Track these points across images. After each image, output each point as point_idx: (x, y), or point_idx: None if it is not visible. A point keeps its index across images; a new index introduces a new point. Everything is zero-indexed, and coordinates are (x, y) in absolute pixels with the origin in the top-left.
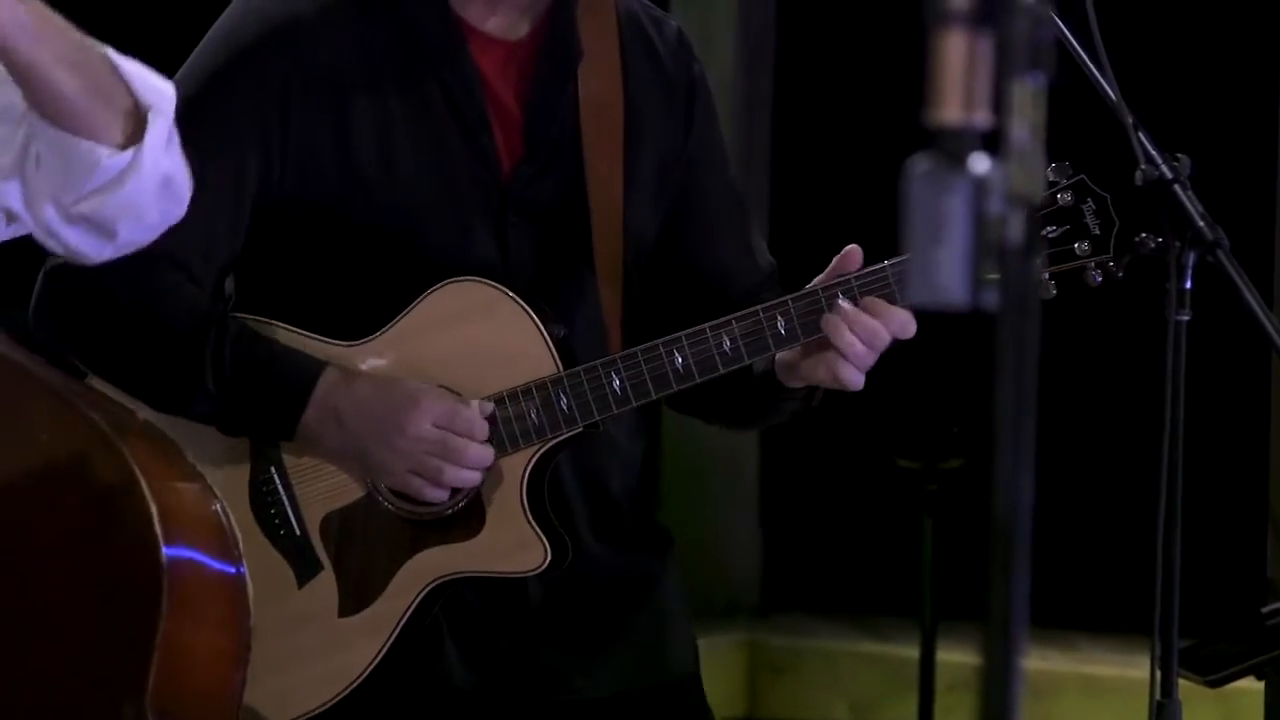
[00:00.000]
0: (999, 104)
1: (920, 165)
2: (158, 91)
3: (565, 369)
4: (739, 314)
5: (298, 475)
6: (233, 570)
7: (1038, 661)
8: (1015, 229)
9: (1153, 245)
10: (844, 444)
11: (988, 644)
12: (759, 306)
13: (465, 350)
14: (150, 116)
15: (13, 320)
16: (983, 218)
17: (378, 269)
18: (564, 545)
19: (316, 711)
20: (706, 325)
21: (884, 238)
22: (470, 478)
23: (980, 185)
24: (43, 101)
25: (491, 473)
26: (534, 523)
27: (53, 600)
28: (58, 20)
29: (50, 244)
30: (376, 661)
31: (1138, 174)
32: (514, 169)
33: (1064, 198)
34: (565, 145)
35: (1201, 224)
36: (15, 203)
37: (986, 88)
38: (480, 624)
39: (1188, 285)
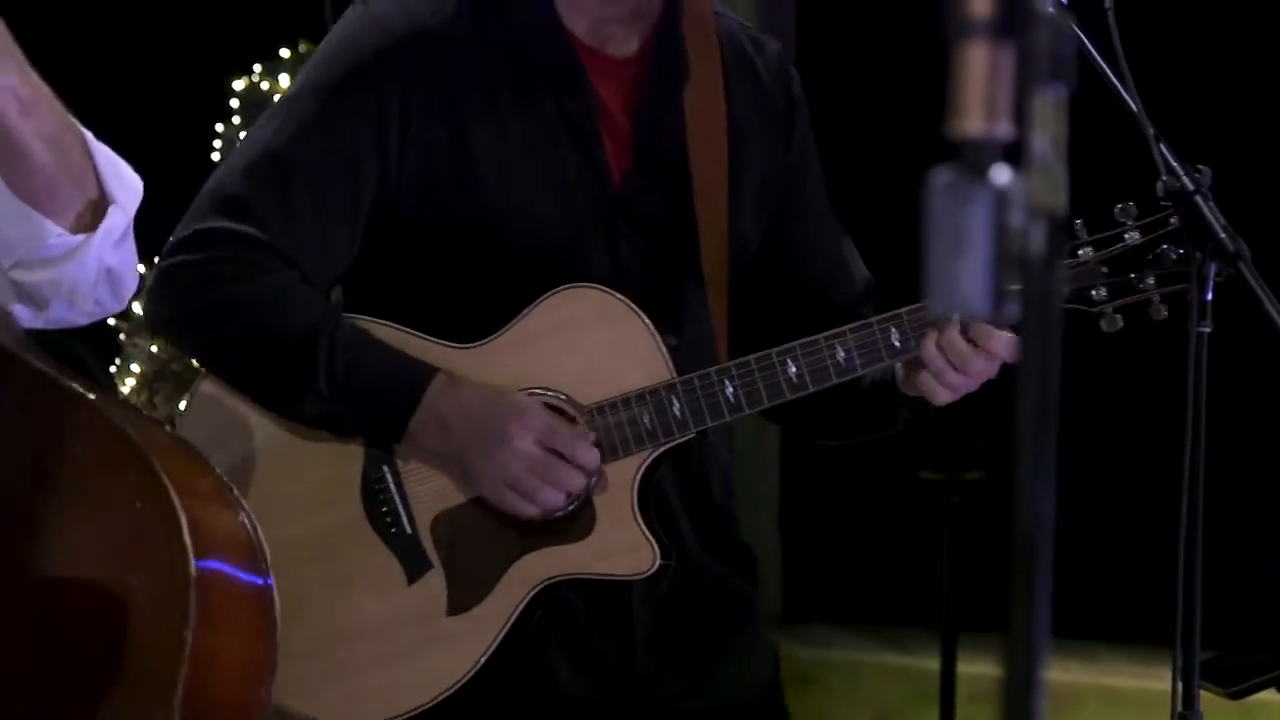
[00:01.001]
0: (1021, 115)
1: (941, 176)
2: (126, 187)
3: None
4: (853, 325)
5: (410, 475)
6: (260, 581)
7: (1059, 673)
8: (1037, 240)
9: (1174, 257)
10: (865, 455)
11: (1009, 655)
12: (874, 318)
13: (580, 356)
14: (110, 209)
15: (43, 334)
16: (1004, 229)
17: (489, 275)
18: (670, 551)
19: (422, 708)
20: (821, 336)
21: (905, 248)
22: (557, 500)
23: (1002, 197)
24: (13, 171)
25: (603, 477)
26: (644, 526)
27: (82, 611)
28: (48, 96)
29: None
30: (483, 660)
31: (1159, 185)
32: (624, 180)
33: (1132, 237)
34: (672, 158)
35: (1223, 235)
36: None
37: (1008, 99)
38: (586, 631)
39: (1209, 297)
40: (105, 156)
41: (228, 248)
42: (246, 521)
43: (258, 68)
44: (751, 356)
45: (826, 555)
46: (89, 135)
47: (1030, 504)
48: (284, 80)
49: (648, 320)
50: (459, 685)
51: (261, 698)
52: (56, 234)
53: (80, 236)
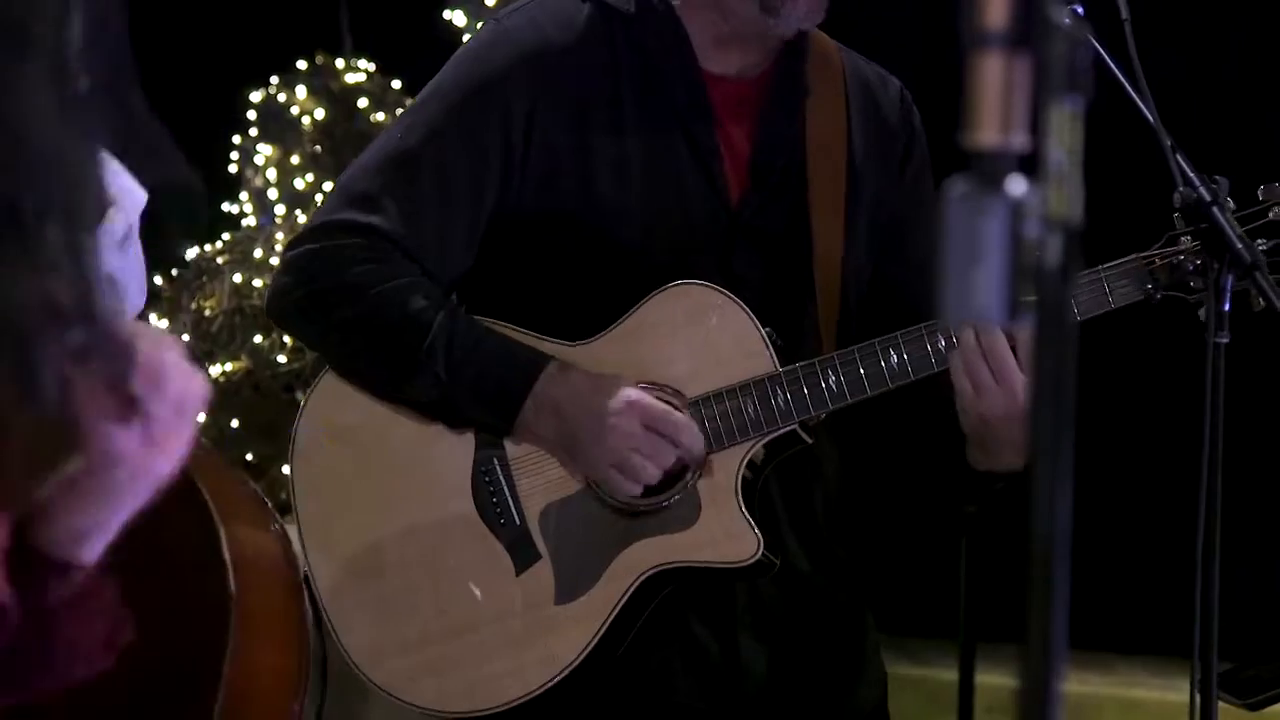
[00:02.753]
0: (1037, 126)
1: (957, 187)
2: (126, 192)
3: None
4: None
5: (519, 467)
6: (294, 591)
7: (1076, 684)
8: (1052, 251)
9: (1191, 267)
10: (881, 466)
11: (1026, 666)
12: None
13: (686, 349)
14: (110, 211)
15: None
16: (1019, 240)
17: (605, 280)
18: (775, 547)
19: (532, 695)
20: (922, 325)
21: None
22: (657, 477)
23: (1017, 207)
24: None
25: (708, 467)
26: (747, 514)
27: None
28: None
29: None
30: (589, 648)
31: (1176, 196)
32: (741, 197)
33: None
34: (790, 178)
35: (1240, 246)
36: None
37: (1024, 110)
38: (695, 633)
39: (1226, 307)
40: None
41: (353, 236)
42: (278, 530)
43: (274, 80)
44: (854, 346)
45: None
46: None
47: (1047, 514)
48: (300, 92)
49: (752, 314)
50: (567, 672)
51: (294, 710)
52: None
53: None
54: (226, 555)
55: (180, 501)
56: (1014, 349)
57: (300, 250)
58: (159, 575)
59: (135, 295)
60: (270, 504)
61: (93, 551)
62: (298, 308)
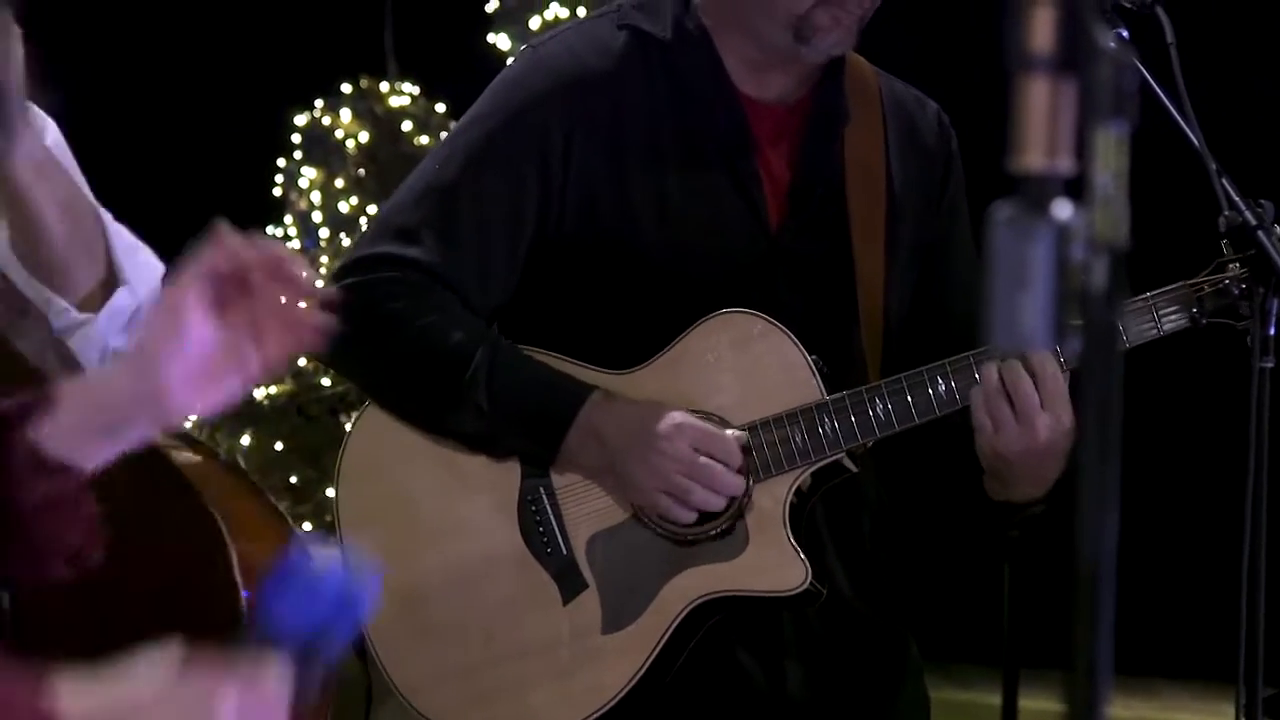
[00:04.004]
0: (1082, 150)
1: (1003, 211)
2: (141, 268)
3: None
4: None
5: (565, 496)
6: None
7: (1121, 709)
8: (1098, 275)
9: (1236, 292)
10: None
11: (1071, 691)
12: None
13: (732, 378)
14: (117, 293)
15: None
16: (1066, 264)
17: (647, 308)
18: (822, 576)
19: None
20: (969, 354)
21: None
22: (716, 502)
23: (1063, 231)
24: (25, 239)
25: (755, 496)
26: (794, 543)
27: (133, 641)
28: (63, 167)
29: None
30: (637, 678)
31: (1221, 220)
32: (781, 223)
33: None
34: (830, 203)
35: None
36: None
37: (1070, 134)
38: (741, 662)
39: (1271, 331)
40: (122, 237)
41: (393, 270)
42: None
43: (319, 103)
44: (902, 374)
45: None
46: (107, 215)
47: (1092, 538)
48: (345, 115)
49: (798, 342)
50: (616, 701)
51: None
52: (62, 308)
53: (86, 315)
54: (237, 575)
55: (190, 520)
56: (1036, 386)
57: (340, 285)
58: (168, 598)
59: None
60: (291, 522)
61: (95, 458)
62: (338, 344)
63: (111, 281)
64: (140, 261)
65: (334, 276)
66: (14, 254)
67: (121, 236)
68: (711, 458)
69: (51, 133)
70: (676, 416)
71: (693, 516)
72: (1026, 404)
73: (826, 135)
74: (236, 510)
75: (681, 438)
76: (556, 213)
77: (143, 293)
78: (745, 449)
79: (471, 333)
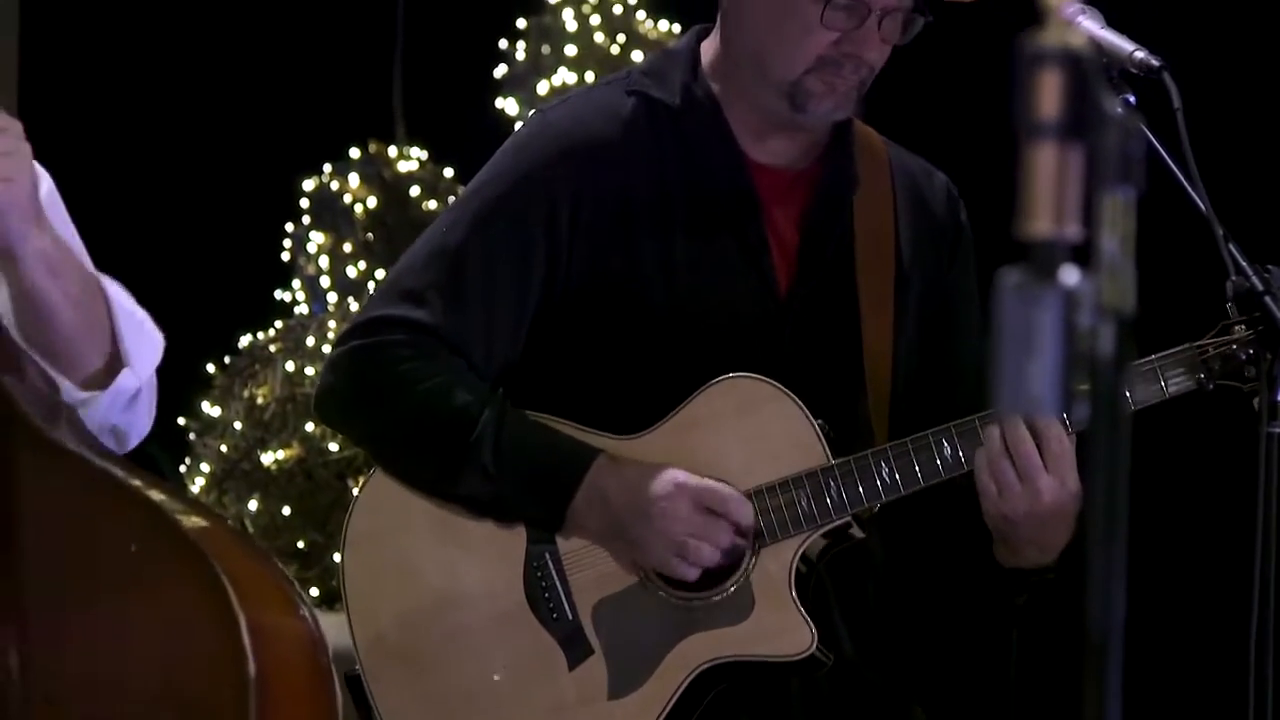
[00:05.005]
0: (1089, 216)
1: (1011, 277)
2: (145, 345)
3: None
4: None
5: (571, 562)
6: (321, 677)
7: None
8: (1105, 341)
9: (1244, 356)
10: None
11: None
12: None
13: (737, 442)
14: (121, 374)
15: None
16: (1073, 330)
17: (653, 373)
18: (829, 641)
19: None
20: (975, 416)
21: None
22: (718, 558)
23: (1070, 297)
24: (33, 327)
25: (761, 561)
26: (800, 607)
27: (140, 711)
28: (74, 258)
29: None
30: None
31: (1229, 285)
32: (790, 288)
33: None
34: (839, 269)
35: None
36: None
37: (1077, 200)
38: None
39: (1278, 397)
40: (128, 314)
41: (400, 332)
42: (308, 617)
43: (327, 168)
44: (908, 439)
45: None
46: (113, 290)
47: (1101, 606)
48: (353, 180)
49: (803, 406)
50: None
51: None
52: (66, 388)
53: (89, 394)
54: (246, 642)
55: (199, 586)
56: (1040, 448)
57: (345, 348)
58: (178, 662)
59: (134, 441)
60: (298, 588)
61: None
62: (344, 406)
63: (115, 361)
64: (146, 337)
65: (338, 340)
66: (20, 335)
67: (125, 309)
68: (713, 513)
69: (46, 184)
70: (678, 476)
71: (696, 574)
72: (1029, 466)
73: (836, 201)
74: (244, 577)
75: (683, 496)
76: (563, 277)
77: (145, 373)
78: (753, 504)
79: (477, 395)
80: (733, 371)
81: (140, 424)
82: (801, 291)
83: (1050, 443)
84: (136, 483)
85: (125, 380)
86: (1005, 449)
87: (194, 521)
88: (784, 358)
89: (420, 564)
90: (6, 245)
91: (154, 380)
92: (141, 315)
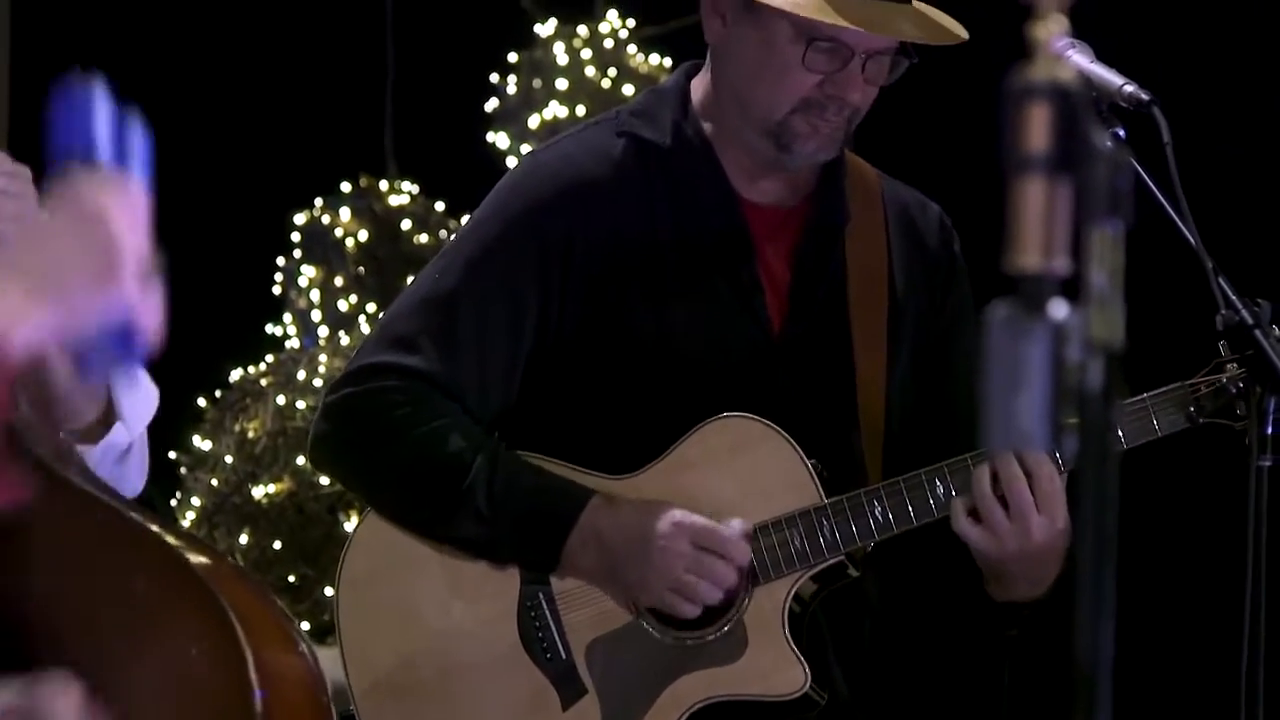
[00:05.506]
0: (1078, 250)
1: (999, 311)
2: (139, 402)
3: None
4: None
5: (565, 601)
6: (322, 713)
7: None
8: (1094, 375)
9: (1234, 391)
10: (920, 594)
11: None
12: None
13: (731, 482)
14: (112, 429)
15: None
16: (1062, 364)
17: (647, 413)
18: (823, 680)
19: None
20: (968, 455)
21: None
22: (719, 596)
23: (1059, 331)
24: (28, 382)
25: (755, 599)
26: (794, 646)
27: None
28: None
29: None
30: None
31: (1218, 319)
32: (783, 328)
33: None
34: (832, 307)
35: None
36: None
37: (1066, 234)
38: None
39: (1269, 430)
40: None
41: (392, 379)
42: (308, 653)
43: (319, 201)
44: (900, 477)
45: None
46: None
47: (1090, 639)
48: (344, 214)
49: (796, 446)
50: None
51: None
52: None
53: (82, 448)
54: (252, 675)
55: (205, 621)
56: (1031, 487)
57: (339, 395)
58: (184, 696)
59: (128, 492)
60: (297, 624)
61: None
62: (338, 453)
63: (109, 415)
64: (140, 393)
65: (332, 387)
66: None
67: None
68: (711, 551)
69: None
70: (675, 515)
71: (698, 611)
72: (1022, 504)
73: (827, 238)
74: (249, 612)
75: (681, 535)
76: (557, 319)
77: (137, 429)
78: (750, 539)
79: (471, 440)
80: (726, 411)
81: (131, 480)
82: (794, 330)
83: (1041, 481)
84: (140, 518)
85: (117, 435)
86: (995, 490)
87: (198, 557)
88: (777, 397)
89: (415, 604)
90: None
91: (145, 438)
92: (138, 369)
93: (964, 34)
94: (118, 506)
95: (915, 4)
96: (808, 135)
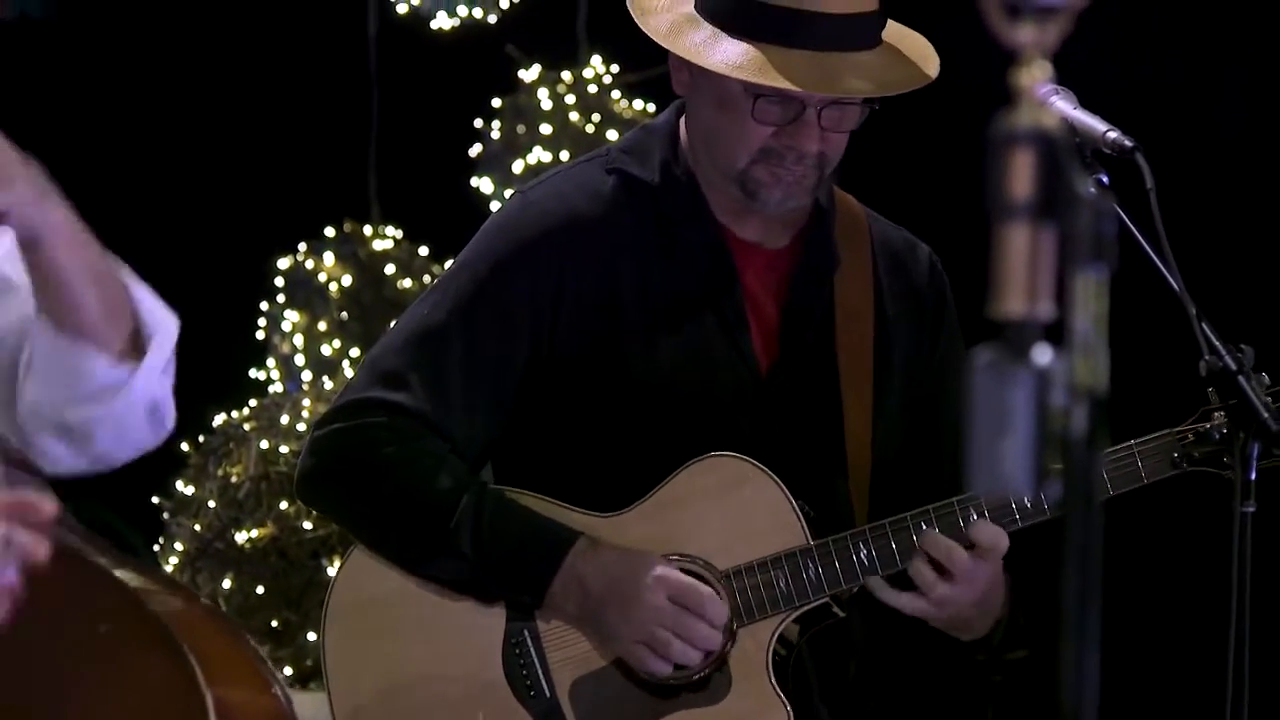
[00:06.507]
0: (1062, 295)
1: (984, 357)
2: (162, 321)
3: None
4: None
5: (550, 639)
6: None
7: None
8: (1078, 420)
9: (1218, 437)
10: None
11: None
12: None
13: (717, 522)
14: (152, 342)
15: (88, 511)
16: (1046, 409)
17: (635, 451)
18: (807, 718)
19: None
20: (954, 499)
21: None
22: (693, 656)
23: (1043, 377)
24: (60, 309)
25: (739, 641)
26: (777, 688)
27: None
28: (85, 233)
29: (19, 443)
30: None
31: (1202, 364)
32: (770, 368)
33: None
34: (820, 347)
35: (1266, 415)
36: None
37: (1050, 279)
38: None
39: (1252, 476)
40: (141, 292)
41: (379, 415)
42: (280, 695)
43: (302, 246)
44: (886, 520)
45: None
46: (124, 269)
47: (1074, 684)
48: (328, 259)
49: (783, 486)
50: None
51: None
52: (106, 365)
53: (130, 366)
54: (212, 717)
55: (166, 667)
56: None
57: (327, 430)
58: None
59: (169, 420)
60: (271, 666)
61: None
62: (325, 490)
63: (140, 335)
64: (159, 314)
65: (319, 422)
66: (48, 321)
67: (140, 291)
68: (690, 611)
69: (5, 245)
70: (658, 570)
71: (669, 669)
72: (953, 562)
73: (816, 279)
74: (214, 655)
75: (662, 590)
76: (546, 355)
77: (170, 342)
78: (731, 605)
79: (458, 479)
80: (713, 450)
81: (170, 396)
82: (782, 369)
83: (987, 547)
84: (104, 561)
85: (160, 345)
86: (936, 572)
87: (163, 600)
88: (764, 436)
89: (400, 639)
90: (25, 222)
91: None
92: (150, 293)
93: (930, 73)
94: (80, 548)
95: (886, 41)
96: (772, 184)
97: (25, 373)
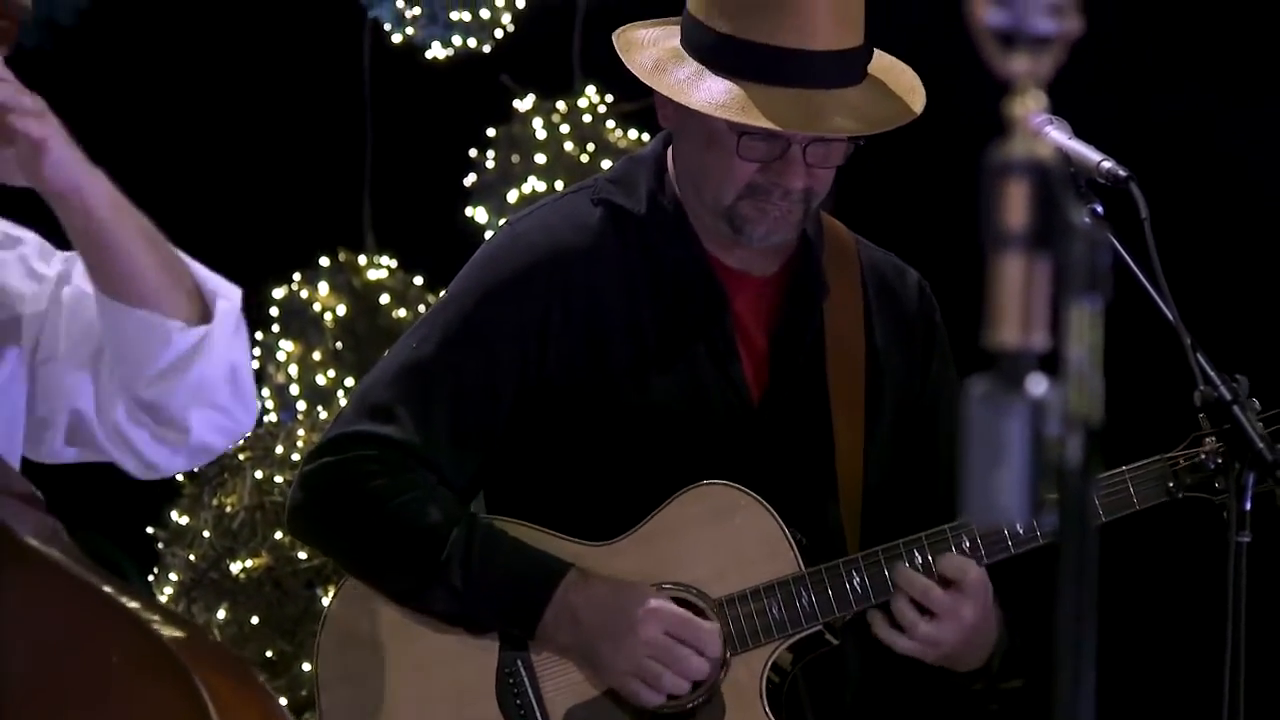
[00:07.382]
0: (1057, 326)
1: (979, 387)
2: (222, 285)
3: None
4: None
5: (543, 670)
6: None
7: None
8: (1073, 450)
9: (1212, 466)
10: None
11: None
12: None
13: (710, 550)
14: (218, 302)
15: (84, 539)
16: (1041, 439)
17: (627, 480)
18: None
19: None
20: (947, 526)
21: None
22: (685, 687)
23: (1038, 407)
24: (118, 276)
25: (732, 669)
26: (770, 715)
27: None
28: (129, 202)
29: (121, 457)
30: None
31: (1196, 394)
32: (761, 396)
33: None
34: (810, 375)
35: (1261, 445)
36: (86, 402)
37: (1044, 310)
38: None
39: (1247, 506)
40: (191, 261)
41: (370, 449)
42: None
43: (297, 276)
44: (879, 547)
45: None
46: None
47: (1070, 712)
48: (322, 288)
49: (775, 514)
50: None
51: None
52: (179, 329)
53: (200, 329)
54: None
55: (180, 698)
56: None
57: (316, 464)
58: None
59: (250, 388)
60: (277, 700)
61: None
62: (315, 523)
63: (202, 296)
64: (217, 279)
65: (309, 456)
66: (109, 295)
67: (190, 261)
68: (683, 642)
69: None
70: (651, 602)
71: (661, 699)
72: (944, 607)
73: (806, 307)
74: (223, 688)
75: (654, 622)
76: (535, 387)
77: (238, 301)
78: (724, 634)
79: (448, 512)
80: (705, 478)
81: (248, 362)
82: (772, 397)
83: (970, 584)
84: (112, 591)
85: (224, 306)
86: (914, 603)
87: (173, 632)
88: (756, 464)
89: (392, 672)
90: (67, 173)
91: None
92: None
93: (916, 108)
94: (90, 580)
95: (873, 75)
96: (758, 219)
97: (105, 362)
